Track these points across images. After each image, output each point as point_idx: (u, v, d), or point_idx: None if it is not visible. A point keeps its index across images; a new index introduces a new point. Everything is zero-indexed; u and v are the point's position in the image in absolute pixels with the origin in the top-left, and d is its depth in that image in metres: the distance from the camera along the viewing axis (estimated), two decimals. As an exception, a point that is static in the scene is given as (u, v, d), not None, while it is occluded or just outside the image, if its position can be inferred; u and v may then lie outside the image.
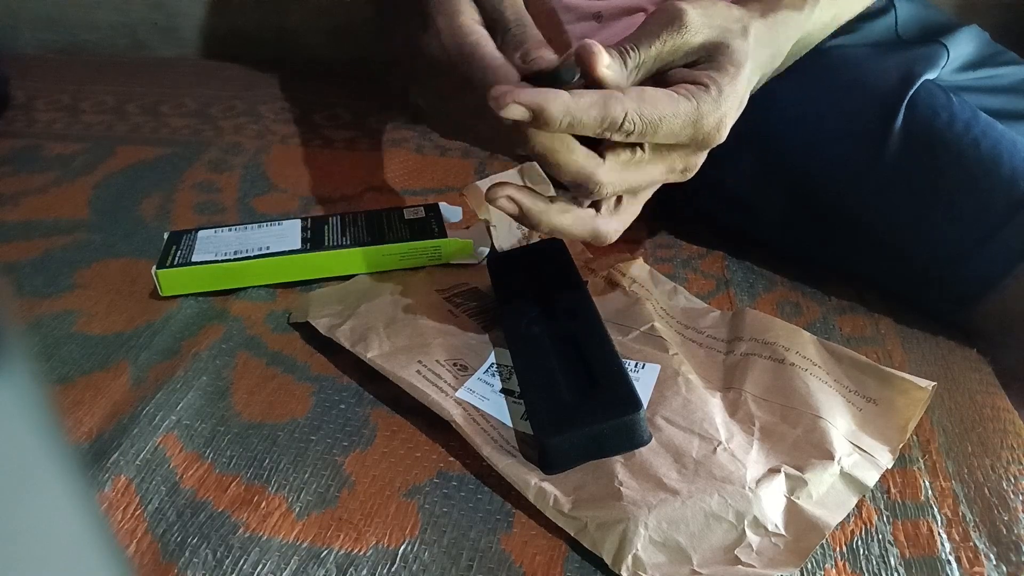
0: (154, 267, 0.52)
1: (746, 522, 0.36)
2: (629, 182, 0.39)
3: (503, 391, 0.43)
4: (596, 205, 0.41)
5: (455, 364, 0.44)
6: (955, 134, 0.48)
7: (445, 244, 0.54)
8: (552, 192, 0.40)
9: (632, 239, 0.59)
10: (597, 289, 0.51)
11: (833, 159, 0.51)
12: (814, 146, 0.52)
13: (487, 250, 0.55)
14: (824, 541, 0.36)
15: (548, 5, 0.57)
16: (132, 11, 0.97)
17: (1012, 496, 0.39)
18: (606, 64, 0.35)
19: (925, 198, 0.48)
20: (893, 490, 0.39)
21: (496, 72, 0.37)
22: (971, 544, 0.37)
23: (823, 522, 0.36)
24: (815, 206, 0.52)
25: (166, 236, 0.55)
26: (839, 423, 0.40)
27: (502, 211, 0.39)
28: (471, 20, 0.40)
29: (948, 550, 0.36)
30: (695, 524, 0.36)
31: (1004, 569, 0.36)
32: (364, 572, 0.35)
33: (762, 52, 0.41)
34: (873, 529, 0.37)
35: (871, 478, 0.38)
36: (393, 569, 0.36)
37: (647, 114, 0.35)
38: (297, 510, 0.38)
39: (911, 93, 0.49)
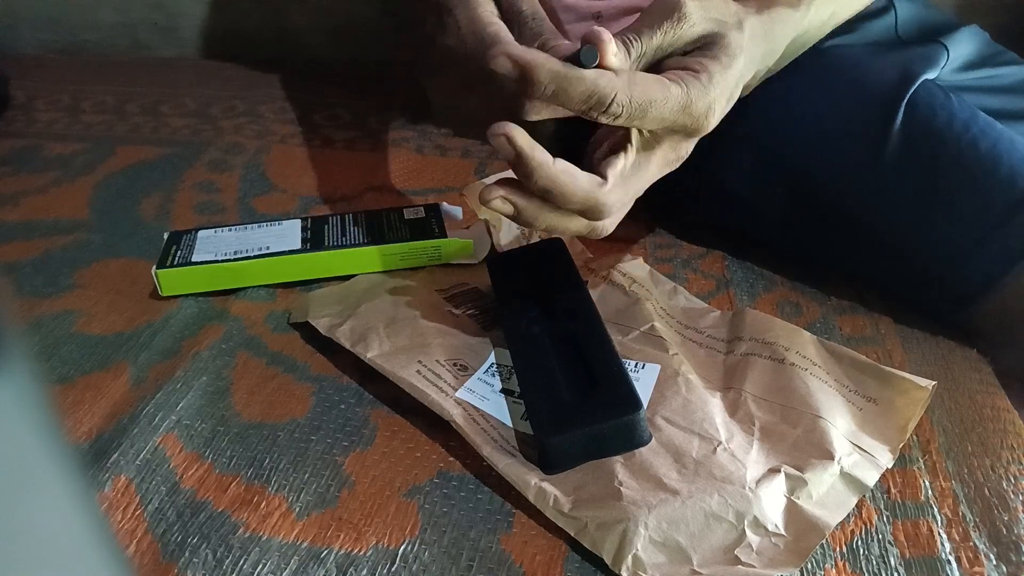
0: (154, 267, 0.52)
1: (746, 522, 0.36)
2: (630, 193, 0.40)
3: (503, 391, 0.43)
4: None
5: (455, 364, 0.44)
6: (954, 133, 0.48)
7: (445, 244, 0.54)
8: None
9: (632, 239, 0.60)
10: (597, 289, 0.51)
11: (833, 159, 0.51)
12: (814, 146, 0.52)
13: (487, 250, 0.55)
14: (824, 541, 0.36)
15: (548, 5, 0.58)
16: (132, 11, 0.97)
17: (1012, 496, 0.39)
18: (614, 52, 0.36)
19: (924, 198, 0.48)
20: (893, 490, 0.39)
21: None
22: (971, 544, 0.37)
23: (823, 522, 0.36)
24: (815, 206, 0.52)
25: (166, 236, 0.55)
26: (839, 423, 0.40)
27: (497, 212, 0.39)
28: (490, 12, 0.40)
29: (948, 550, 0.36)
30: (695, 524, 0.36)
31: (1004, 569, 0.36)
32: (364, 572, 0.35)
33: (757, 48, 0.41)
34: (873, 529, 0.37)
35: (871, 478, 0.38)
36: (393, 569, 0.36)
37: (637, 96, 0.35)
38: (297, 510, 0.38)
39: (910, 93, 0.49)
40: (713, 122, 0.39)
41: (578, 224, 0.40)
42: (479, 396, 0.42)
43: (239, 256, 0.53)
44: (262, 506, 0.39)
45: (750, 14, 0.40)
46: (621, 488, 0.37)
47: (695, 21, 0.37)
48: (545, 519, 0.37)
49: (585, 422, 0.38)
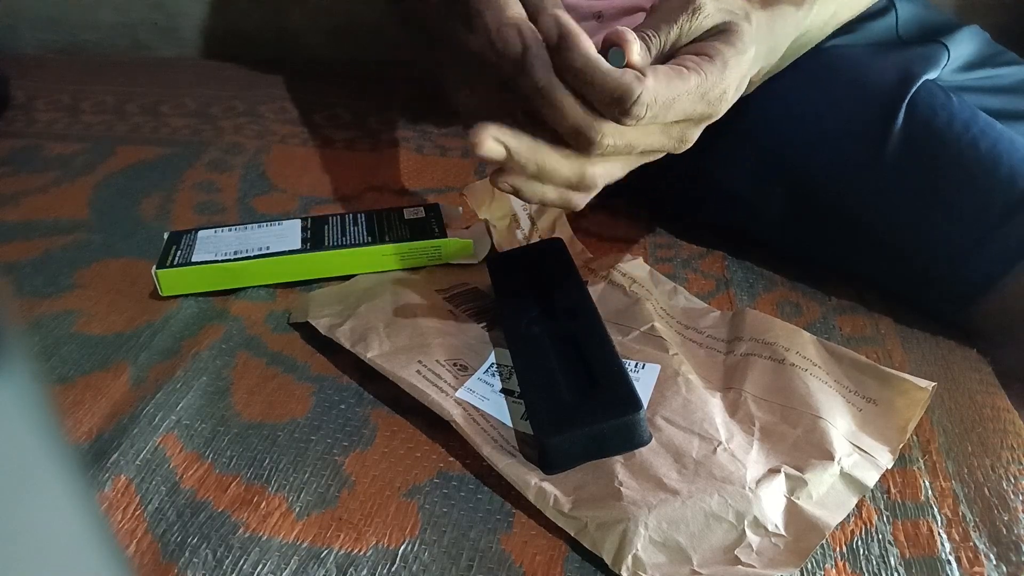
0: (154, 267, 0.52)
1: (746, 522, 0.36)
2: (628, 138, 0.38)
3: (503, 391, 0.43)
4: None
5: (455, 364, 0.44)
6: (954, 134, 0.48)
7: (445, 244, 0.54)
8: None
9: (632, 239, 0.60)
10: (597, 289, 0.51)
11: (833, 159, 0.51)
12: (814, 146, 0.52)
13: (487, 250, 0.55)
14: (824, 541, 0.36)
15: None
16: (132, 11, 0.97)
17: (1012, 496, 0.39)
18: (638, 51, 0.36)
19: (925, 198, 0.48)
20: (893, 490, 0.39)
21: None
22: (971, 544, 0.37)
23: (823, 522, 0.36)
24: (815, 206, 0.52)
25: (166, 236, 0.55)
26: (839, 423, 0.40)
27: (489, 157, 0.37)
28: (519, 13, 0.40)
29: (948, 550, 0.36)
30: (695, 524, 0.36)
31: (1004, 569, 0.36)
32: (364, 572, 0.35)
33: (762, 44, 0.41)
34: (873, 529, 0.37)
35: (871, 478, 0.38)
36: (393, 569, 0.36)
37: (662, 96, 0.35)
38: (297, 510, 0.38)
39: (911, 93, 0.49)
40: (725, 108, 0.39)
41: (570, 169, 0.39)
42: (479, 396, 0.42)
43: (239, 256, 0.53)
44: (262, 506, 0.39)
45: (755, 9, 0.40)
46: (621, 488, 0.37)
47: (709, 12, 0.38)
48: (545, 519, 0.37)
49: (585, 422, 0.38)
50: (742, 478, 0.37)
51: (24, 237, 0.61)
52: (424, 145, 0.73)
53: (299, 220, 0.57)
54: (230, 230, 0.56)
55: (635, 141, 0.38)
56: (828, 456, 0.38)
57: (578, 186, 0.40)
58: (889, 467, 0.39)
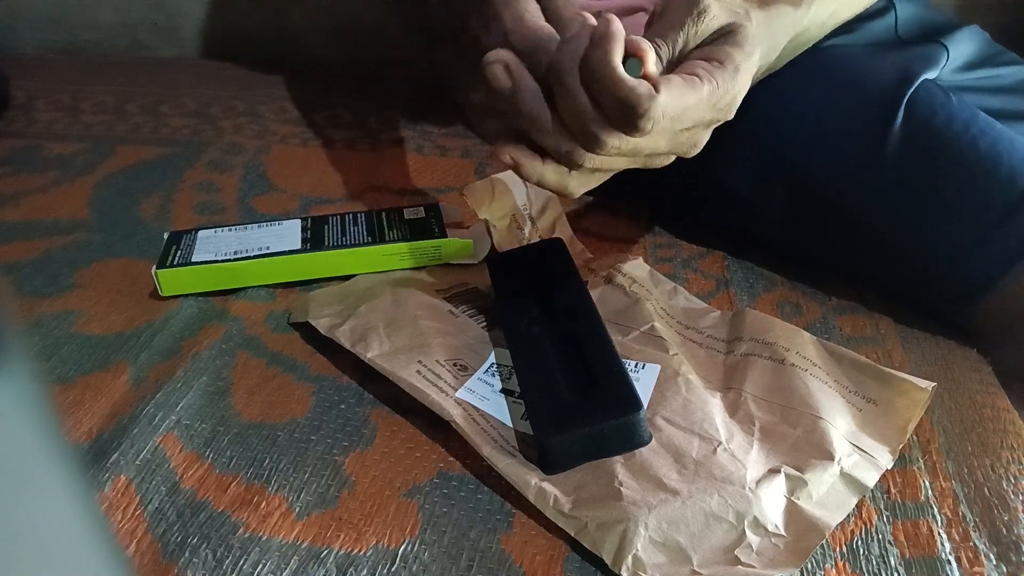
0: (154, 267, 0.52)
1: (746, 522, 0.36)
2: (633, 143, 0.38)
3: (503, 391, 0.43)
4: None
5: (455, 364, 0.44)
6: (954, 133, 0.48)
7: (445, 244, 0.54)
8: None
9: (632, 239, 0.60)
10: (597, 289, 0.51)
11: (833, 158, 0.51)
12: (814, 145, 0.52)
13: (487, 250, 0.55)
14: (824, 541, 0.36)
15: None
16: (132, 11, 0.97)
17: (1012, 496, 0.39)
18: (654, 61, 0.36)
19: (924, 197, 0.48)
20: (893, 490, 0.39)
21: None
22: (971, 544, 0.37)
23: (823, 522, 0.36)
24: (815, 206, 0.52)
25: (166, 236, 0.55)
26: (839, 423, 0.40)
27: (495, 80, 0.38)
28: (535, 12, 0.40)
29: (948, 550, 0.36)
30: (695, 524, 0.36)
31: (1004, 569, 0.36)
32: (364, 572, 0.35)
33: (762, 44, 0.41)
34: (873, 529, 0.37)
35: (871, 478, 0.38)
36: (393, 569, 0.36)
37: (671, 109, 0.35)
38: (297, 510, 0.38)
39: (910, 92, 0.49)
40: (734, 111, 0.39)
41: (563, 144, 0.38)
42: (479, 396, 0.42)
43: (239, 256, 0.53)
44: (262, 506, 0.39)
45: (754, 9, 0.40)
46: (621, 488, 0.37)
47: (714, 13, 0.38)
48: (545, 519, 0.37)
49: (585, 422, 0.38)
50: (742, 478, 0.37)
51: (24, 237, 0.61)
52: (424, 145, 0.73)
53: (299, 220, 0.57)
54: (230, 230, 0.56)
55: (641, 146, 0.38)
56: (828, 456, 0.38)
57: (563, 189, 0.41)
58: (889, 467, 0.39)
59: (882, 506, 0.39)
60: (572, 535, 0.36)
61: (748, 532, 0.35)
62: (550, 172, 0.40)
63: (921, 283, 0.50)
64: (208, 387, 0.46)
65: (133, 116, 0.81)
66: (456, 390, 0.42)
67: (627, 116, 0.35)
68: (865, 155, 0.50)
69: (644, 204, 0.63)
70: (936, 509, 0.38)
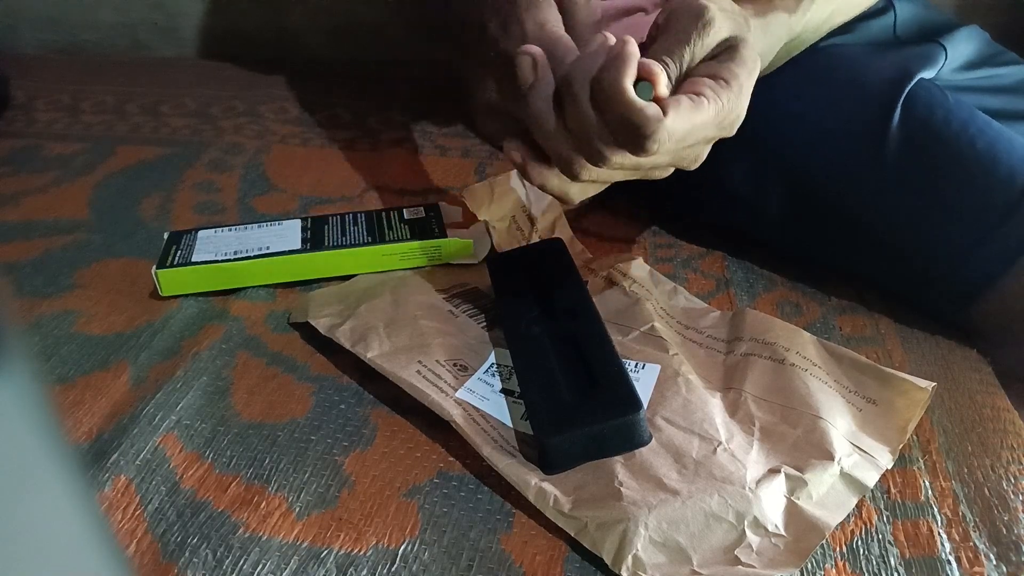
0: (154, 267, 0.52)
1: (746, 522, 0.36)
2: (635, 160, 0.38)
3: (503, 391, 0.43)
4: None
5: (455, 364, 0.44)
6: (952, 132, 0.48)
7: (445, 244, 0.54)
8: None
9: (632, 239, 0.60)
10: (597, 289, 0.51)
11: (832, 158, 0.51)
12: (813, 145, 0.52)
13: (487, 250, 0.55)
14: (824, 541, 0.36)
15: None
16: (132, 11, 0.97)
17: (1012, 496, 0.39)
18: (665, 84, 0.36)
19: (923, 196, 0.48)
20: (893, 490, 0.39)
21: None
22: (971, 544, 0.37)
23: (823, 522, 0.36)
24: (815, 205, 0.52)
25: (166, 236, 0.55)
26: (839, 423, 0.40)
27: (521, 64, 0.38)
28: (556, 20, 0.41)
29: (948, 550, 0.36)
30: (695, 524, 0.36)
31: (1004, 569, 0.36)
32: (364, 572, 0.35)
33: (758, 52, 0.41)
34: (873, 529, 0.37)
35: (871, 478, 0.38)
36: (393, 569, 0.36)
37: (677, 131, 0.35)
38: (297, 510, 0.38)
39: (907, 91, 0.49)
40: (736, 128, 0.39)
41: (564, 151, 0.39)
42: (479, 396, 0.42)
43: (239, 256, 0.53)
44: (262, 506, 0.39)
45: (751, 16, 0.40)
46: (621, 488, 0.37)
47: (720, 24, 0.37)
48: (545, 519, 0.37)
49: (585, 422, 0.38)
50: (742, 478, 0.37)
51: (24, 237, 0.61)
52: (424, 145, 0.73)
53: (299, 220, 0.57)
54: (230, 230, 0.56)
55: (643, 162, 0.38)
56: (828, 456, 0.38)
57: (563, 194, 0.41)
58: (889, 467, 0.39)
59: (882, 506, 0.39)
60: (572, 535, 0.36)
61: (748, 532, 0.35)
62: (554, 177, 0.40)
63: (921, 283, 0.50)
64: (208, 387, 0.46)
65: (133, 116, 0.81)
66: (456, 390, 0.42)
67: (634, 137, 0.35)
68: (864, 154, 0.50)
69: (644, 204, 0.63)
70: (936, 509, 0.38)
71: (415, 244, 0.54)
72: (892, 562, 0.36)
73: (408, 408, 0.43)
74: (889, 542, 0.37)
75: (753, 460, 0.38)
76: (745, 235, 0.58)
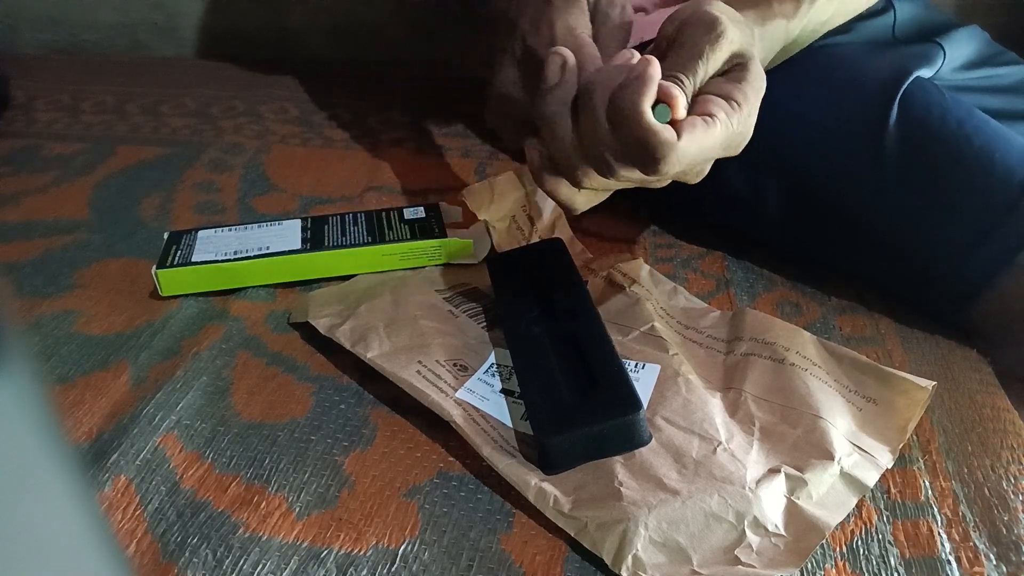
0: (154, 267, 0.52)
1: (746, 522, 0.36)
2: (642, 176, 0.38)
3: (503, 391, 0.43)
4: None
5: (455, 364, 0.44)
6: (949, 130, 0.48)
7: (445, 244, 0.54)
8: None
9: (632, 239, 0.60)
10: (597, 289, 0.51)
11: (831, 157, 0.51)
12: (812, 145, 0.52)
13: (487, 250, 0.55)
14: (824, 541, 0.36)
15: None
16: (132, 11, 0.97)
17: (1012, 496, 0.39)
18: (683, 106, 0.36)
19: (922, 196, 0.48)
20: (893, 490, 0.39)
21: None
22: (971, 544, 0.37)
23: (823, 522, 0.36)
24: (814, 205, 0.52)
25: (166, 236, 0.55)
26: (839, 423, 0.40)
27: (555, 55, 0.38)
28: (587, 33, 0.41)
29: (948, 550, 0.36)
30: (695, 524, 0.36)
31: (1004, 569, 0.36)
32: (364, 572, 0.35)
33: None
34: (873, 529, 0.37)
35: (871, 478, 0.38)
36: (393, 569, 0.36)
37: (688, 157, 0.36)
38: (297, 510, 0.38)
39: (903, 89, 0.49)
40: (742, 148, 0.39)
41: (572, 158, 0.39)
42: (479, 396, 0.42)
43: (239, 256, 0.53)
44: (262, 506, 0.39)
45: (753, 24, 0.40)
46: (621, 488, 0.37)
47: (732, 37, 0.37)
48: (545, 519, 0.37)
49: (585, 422, 0.38)
50: (742, 478, 0.37)
51: (24, 237, 0.61)
52: (424, 145, 0.73)
53: (299, 220, 0.57)
54: (230, 230, 0.56)
55: (649, 178, 0.38)
56: (828, 456, 0.38)
57: (568, 200, 0.42)
58: (889, 467, 0.39)
59: (882, 506, 0.39)
60: (572, 535, 0.36)
61: (748, 532, 0.35)
62: (565, 185, 0.40)
63: (921, 283, 0.50)
64: (208, 387, 0.46)
65: (133, 116, 0.81)
66: (456, 390, 0.42)
67: (646, 158, 0.35)
68: (862, 154, 0.50)
69: (644, 204, 0.63)
70: (936, 509, 0.38)
71: (415, 244, 0.54)
72: (892, 562, 0.36)
73: (408, 408, 0.43)
74: (889, 542, 0.37)
75: (753, 460, 0.38)
76: (745, 235, 0.58)
